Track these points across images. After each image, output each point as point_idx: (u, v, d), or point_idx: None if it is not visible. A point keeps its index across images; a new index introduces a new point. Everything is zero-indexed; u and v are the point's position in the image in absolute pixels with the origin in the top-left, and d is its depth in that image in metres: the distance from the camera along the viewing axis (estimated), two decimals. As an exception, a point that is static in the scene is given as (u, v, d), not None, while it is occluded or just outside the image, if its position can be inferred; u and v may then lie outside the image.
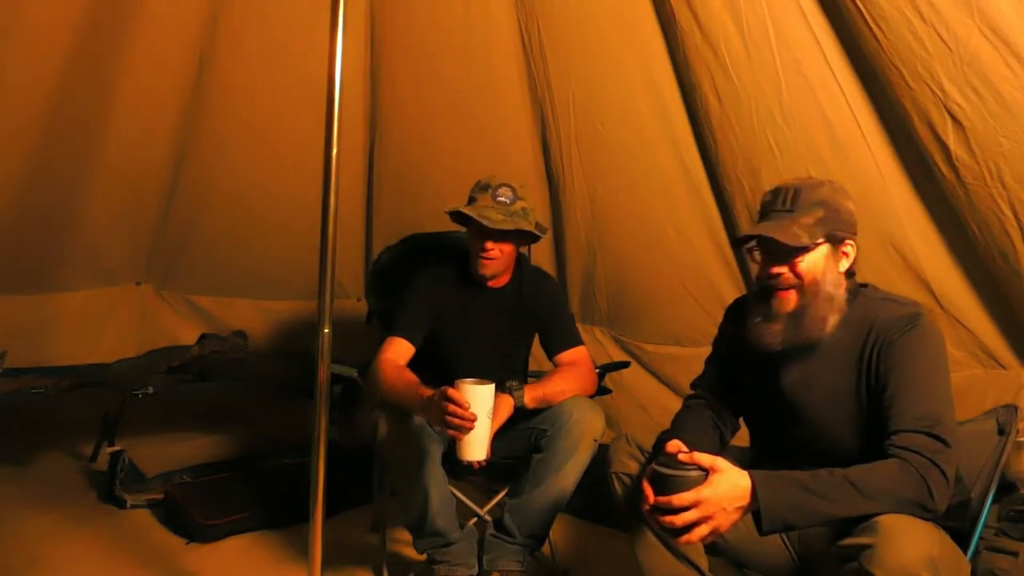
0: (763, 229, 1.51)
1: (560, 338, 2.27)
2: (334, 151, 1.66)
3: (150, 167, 3.33)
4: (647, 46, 2.54)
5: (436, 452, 1.99)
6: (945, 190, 2.12)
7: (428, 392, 1.86)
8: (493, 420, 1.89)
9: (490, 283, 2.23)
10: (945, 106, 1.97)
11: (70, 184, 3.19)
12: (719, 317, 2.80)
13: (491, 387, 1.81)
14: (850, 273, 1.55)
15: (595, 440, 2.05)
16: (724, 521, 1.34)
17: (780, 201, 1.53)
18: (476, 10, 2.84)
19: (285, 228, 3.44)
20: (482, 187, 2.15)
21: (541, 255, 3.06)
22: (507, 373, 2.26)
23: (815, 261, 1.50)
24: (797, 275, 1.50)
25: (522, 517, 2.07)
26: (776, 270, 1.51)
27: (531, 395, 2.06)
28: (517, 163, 3.03)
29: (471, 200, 2.15)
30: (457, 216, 2.14)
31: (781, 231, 1.48)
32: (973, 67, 1.89)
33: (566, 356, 2.25)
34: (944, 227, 2.22)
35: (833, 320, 1.50)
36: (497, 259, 2.15)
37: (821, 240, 1.49)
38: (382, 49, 3.14)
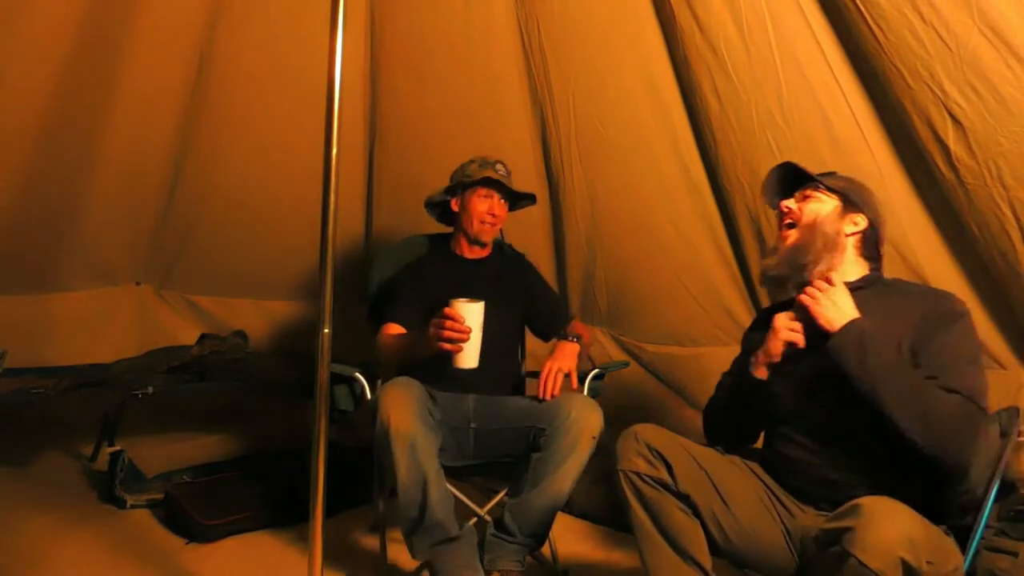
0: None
1: (558, 317, 2.51)
2: (334, 151, 1.66)
3: (150, 167, 3.33)
4: (647, 46, 2.55)
5: (435, 441, 2.01)
6: (945, 190, 2.12)
7: (421, 335, 2.05)
8: (565, 364, 2.21)
9: (475, 253, 2.41)
10: (945, 106, 1.97)
11: (70, 184, 3.19)
12: (719, 317, 2.85)
13: (481, 304, 1.98)
14: (873, 256, 1.70)
15: (593, 438, 2.06)
16: (823, 308, 1.55)
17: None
18: (476, 10, 2.84)
19: (285, 228, 3.44)
20: (482, 163, 2.39)
21: (541, 255, 3.07)
22: (505, 337, 2.40)
23: (820, 209, 1.66)
24: (801, 214, 1.68)
25: (522, 517, 2.07)
26: (785, 204, 1.70)
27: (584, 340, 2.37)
28: (517, 163, 3.01)
29: (468, 174, 2.37)
30: (455, 189, 2.38)
31: (802, 168, 1.69)
32: (973, 67, 1.89)
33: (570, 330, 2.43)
34: (944, 227, 2.22)
35: (827, 263, 1.63)
36: (498, 224, 2.41)
37: (835, 195, 1.67)
38: (382, 49, 3.14)
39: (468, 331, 1.94)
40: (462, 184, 2.39)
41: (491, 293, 2.25)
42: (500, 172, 2.38)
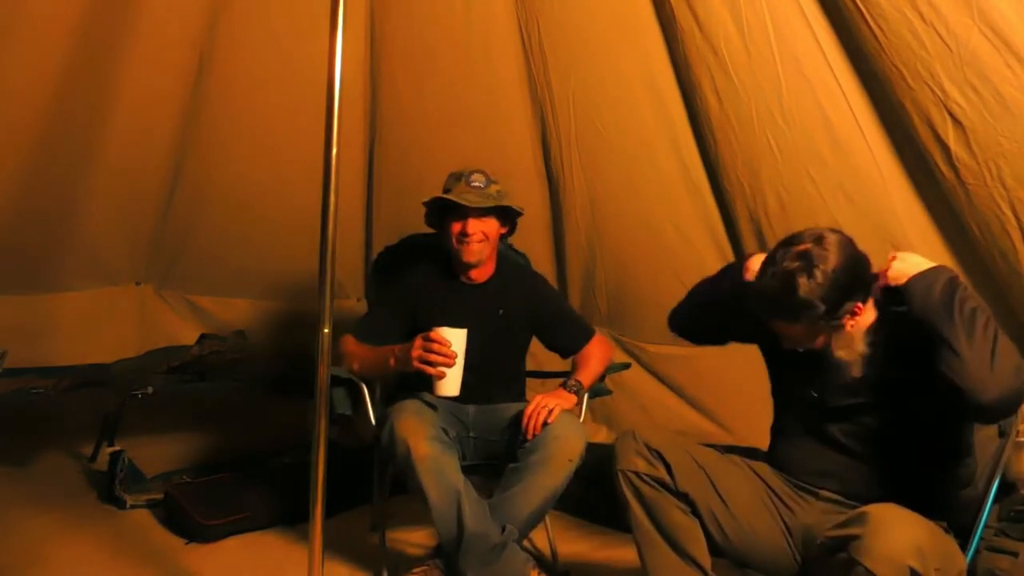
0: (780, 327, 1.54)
1: (575, 335, 2.34)
2: (334, 151, 1.66)
3: (150, 167, 3.33)
4: (647, 46, 2.54)
5: (455, 456, 2.01)
6: (945, 190, 2.12)
7: (395, 347, 2.04)
8: (553, 401, 2.07)
9: (473, 275, 2.24)
10: (945, 106, 1.97)
11: (70, 184, 3.19)
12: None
13: (464, 332, 1.96)
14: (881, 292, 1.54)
15: (570, 461, 2.01)
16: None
17: (782, 303, 1.48)
18: (476, 10, 2.83)
19: (285, 228, 3.44)
20: (455, 177, 2.20)
21: (541, 255, 3.06)
22: (502, 372, 2.30)
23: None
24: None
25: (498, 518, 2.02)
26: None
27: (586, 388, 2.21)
28: (517, 163, 3.03)
29: (445, 191, 2.19)
30: (434, 208, 2.20)
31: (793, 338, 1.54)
32: (973, 67, 1.89)
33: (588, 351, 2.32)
34: (944, 227, 2.22)
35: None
36: (481, 242, 2.18)
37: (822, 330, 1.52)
38: (382, 49, 3.14)
39: (454, 355, 1.93)
40: (427, 203, 2.21)
41: (491, 320, 2.23)
42: (475, 183, 2.17)
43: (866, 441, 1.57)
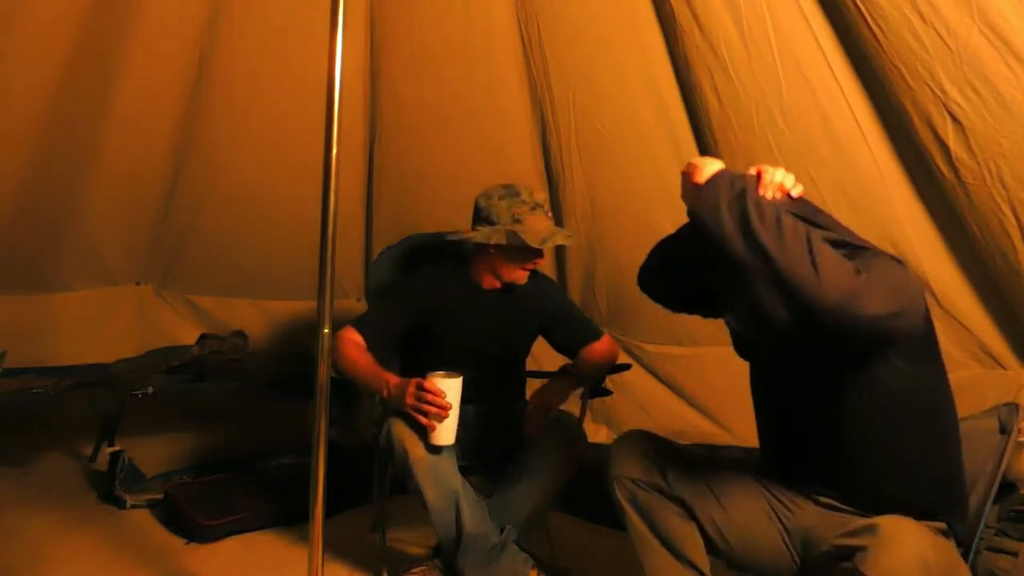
0: None
1: (583, 336, 2.33)
2: (334, 151, 1.66)
3: (150, 167, 3.33)
4: (647, 46, 2.55)
5: (453, 456, 2.00)
6: (945, 190, 2.12)
7: (392, 377, 1.98)
8: (549, 396, 2.09)
9: (495, 284, 2.22)
10: (945, 106, 1.97)
11: (70, 184, 3.19)
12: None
13: (460, 380, 1.90)
14: None
15: (569, 460, 2.03)
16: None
17: None
18: (476, 10, 2.84)
19: (285, 228, 3.44)
20: (533, 206, 2.09)
21: (541, 255, 3.07)
22: (507, 374, 2.29)
23: None
24: None
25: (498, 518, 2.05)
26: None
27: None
28: (517, 163, 3.03)
29: (517, 219, 2.07)
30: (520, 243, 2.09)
31: None
32: (973, 67, 1.89)
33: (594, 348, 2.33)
34: (944, 227, 2.22)
35: None
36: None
37: None
38: (382, 49, 3.14)
39: (448, 407, 1.87)
40: (516, 237, 2.06)
41: (503, 324, 2.24)
42: (549, 213, 2.13)
43: (850, 433, 1.53)
